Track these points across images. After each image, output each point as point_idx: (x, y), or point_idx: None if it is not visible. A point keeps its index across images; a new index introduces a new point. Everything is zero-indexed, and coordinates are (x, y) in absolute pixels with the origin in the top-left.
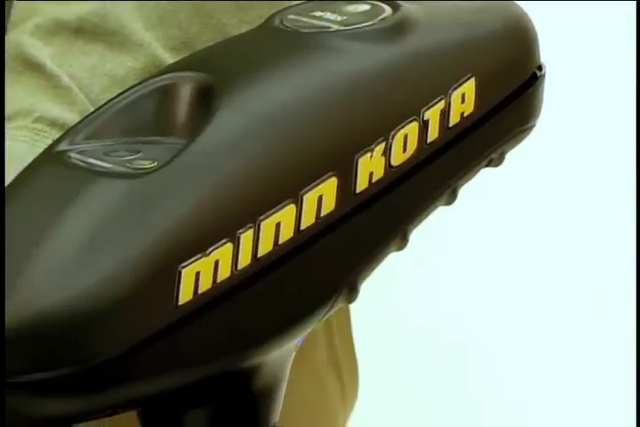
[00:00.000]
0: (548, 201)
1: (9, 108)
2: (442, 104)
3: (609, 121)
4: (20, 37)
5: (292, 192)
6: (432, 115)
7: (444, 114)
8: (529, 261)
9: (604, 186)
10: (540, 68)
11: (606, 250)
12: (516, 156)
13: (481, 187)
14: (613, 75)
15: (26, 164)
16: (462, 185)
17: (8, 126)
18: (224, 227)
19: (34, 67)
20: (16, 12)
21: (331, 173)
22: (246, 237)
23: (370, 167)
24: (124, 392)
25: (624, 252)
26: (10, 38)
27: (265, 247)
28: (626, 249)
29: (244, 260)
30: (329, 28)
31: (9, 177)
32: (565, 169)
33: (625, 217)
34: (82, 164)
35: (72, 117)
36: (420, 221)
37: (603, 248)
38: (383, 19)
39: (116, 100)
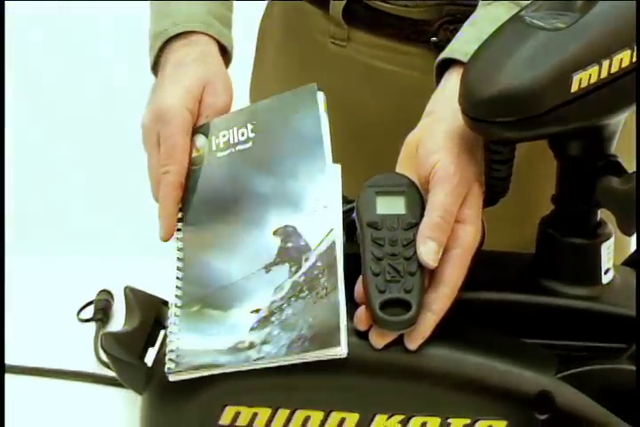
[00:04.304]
0: None
1: None
2: None
3: None
4: None
5: (607, 55)
6: None
7: None
8: None
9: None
10: None
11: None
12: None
13: None
14: None
15: (502, 21)
16: None
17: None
18: (593, 58)
19: None
20: None
21: (627, 48)
22: (595, 69)
23: None
24: (539, 131)
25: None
26: None
27: (602, 74)
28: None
29: (601, 77)
30: None
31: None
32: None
33: None
34: (530, 22)
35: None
36: None
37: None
38: None
39: None
